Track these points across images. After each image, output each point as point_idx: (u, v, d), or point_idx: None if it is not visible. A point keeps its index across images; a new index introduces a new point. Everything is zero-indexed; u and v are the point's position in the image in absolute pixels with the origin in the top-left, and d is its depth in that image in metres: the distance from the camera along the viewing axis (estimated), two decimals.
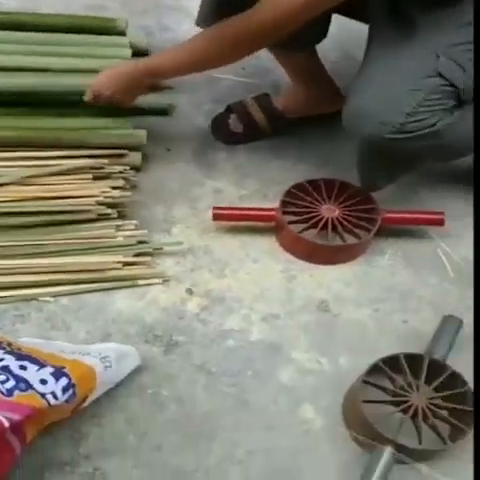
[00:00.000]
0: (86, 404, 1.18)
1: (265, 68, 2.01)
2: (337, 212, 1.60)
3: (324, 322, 1.47)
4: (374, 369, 1.28)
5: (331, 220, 1.58)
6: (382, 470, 1.16)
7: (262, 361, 1.38)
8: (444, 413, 1.26)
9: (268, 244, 1.61)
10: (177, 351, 1.38)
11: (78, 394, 1.10)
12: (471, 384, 1.25)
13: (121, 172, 1.62)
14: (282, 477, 1.22)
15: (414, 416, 1.25)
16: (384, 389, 1.29)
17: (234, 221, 1.62)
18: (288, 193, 1.61)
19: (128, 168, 1.64)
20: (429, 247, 1.64)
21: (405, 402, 1.25)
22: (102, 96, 1.60)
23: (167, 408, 1.29)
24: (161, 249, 1.54)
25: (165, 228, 1.61)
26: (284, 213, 1.59)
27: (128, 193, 1.58)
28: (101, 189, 1.55)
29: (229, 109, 1.85)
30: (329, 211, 1.60)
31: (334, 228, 1.58)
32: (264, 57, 1.98)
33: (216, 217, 1.60)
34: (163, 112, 1.84)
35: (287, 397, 1.33)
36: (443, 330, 1.40)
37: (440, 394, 1.27)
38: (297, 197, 1.62)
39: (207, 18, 1.52)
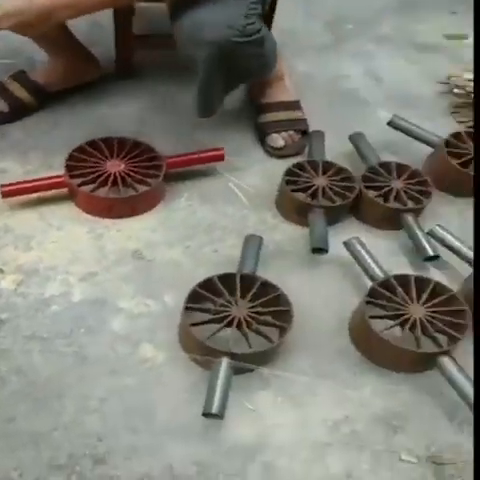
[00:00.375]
0: None
1: (17, 47, 1.99)
2: (122, 166, 1.64)
3: (141, 269, 1.51)
4: (194, 295, 1.35)
5: (118, 174, 1.62)
6: (223, 379, 1.24)
7: (91, 317, 1.40)
8: (266, 318, 1.36)
9: (68, 210, 1.62)
10: (4, 328, 1.36)
11: None
12: (284, 287, 1.38)
13: None
14: (138, 414, 1.26)
15: (239, 327, 1.34)
16: (208, 310, 1.37)
17: (25, 194, 1.60)
18: (70, 157, 1.63)
19: None
20: (221, 183, 1.74)
21: (227, 317, 1.34)
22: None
23: (9, 381, 1.27)
24: None
25: None
26: (72, 177, 1.60)
27: None
28: None
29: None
30: (114, 166, 1.64)
31: (124, 181, 1.62)
32: (14, 37, 1.96)
33: (5, 194, 1.57)
34: None
35: (124, 342, 1.36)
36: (246, 248, 1.51)
37: (257, 302, 1.37)
38: (80, 159, 1.64)
39: None
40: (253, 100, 1.92)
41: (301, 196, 1.63)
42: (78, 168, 1.63)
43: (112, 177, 1.61)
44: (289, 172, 1.66)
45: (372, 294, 1.41)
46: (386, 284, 1.43)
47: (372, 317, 1.37)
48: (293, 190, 1.64)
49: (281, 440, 1.25)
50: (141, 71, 2.03)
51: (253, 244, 1.51)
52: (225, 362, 1.27)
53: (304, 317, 1.42)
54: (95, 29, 2.09)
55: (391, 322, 1.38)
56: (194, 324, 1.32)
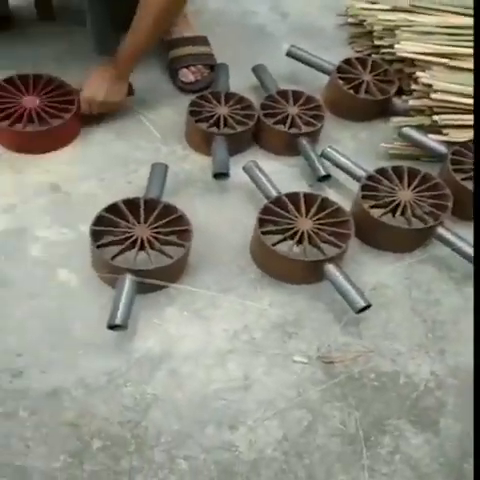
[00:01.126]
0: None
1: None
2: (38, 102, 1.65)
3: (58, 201, 1.55)
4: (99, 220, 1.41)
5: (34, 109, 1.62)
6: (126, 292, 1.31)
7: (11, 245, 1.44)
8: (165, 237, 1.42)
9: None
10: None
11: None
12: (194, 211, 1.44)
13: None
14: (55, 332, 1.32)
15: (142, 247, 1.40)
16: (112, 232, 1.42)
17: None
18: None
19: None
20: (135, 119, 1.77)
21: (131, 237, 1.40)
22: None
23: None
24: None
25: None
26: None
27: None
28: None
29: None
30: (30, 102, 1.64)
31: (39, 116, 1.63)
32: None
33: None
34: None
35: (42, 268, 1.41)
36: (152, 175, 1.55)
37: (158, 223, 1.43)
38: None
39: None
40: (164, 38, 1.93)
41: (204, 126, 1.67)
42: None
43: (27, 112, 1.62)
44: (193, 103, 1.70)
45: (265, 211, 1.47)
46: (279, 201, 1.49)
47: (265, 233, 1.43)
48: (197, 120, 1.68)
49: (186, 350, 1.33)
50: (60, 14, 2.01)
51: (158, 171, 1.55)
52: (128, 278, 1.33)
53: (210, 239, 1.49)
54: None
55: (286, 239, 1.45)
56: (100, 246, 1.37)
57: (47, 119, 1.63)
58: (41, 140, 1.63)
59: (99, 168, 1.63)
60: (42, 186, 1.57)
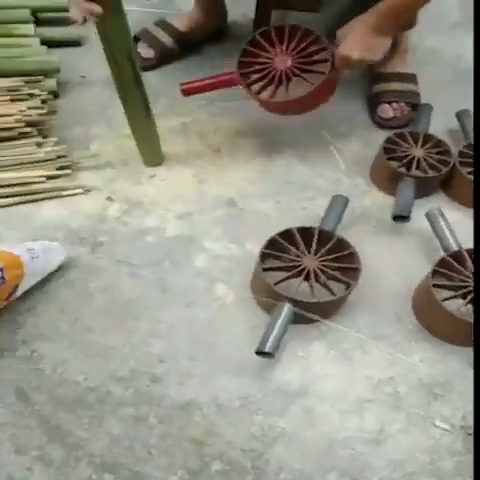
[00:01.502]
0: (18, 294, 1.25)
1: None
2: (289, 62, 1.54)
3: (232, 215, 1.55)
4: (272, 243, 1.37)
5: (284, 72, 1.53)
6: (282, 321, 1.26)
7: (178, 252, 1.46)
8: (335, 273, 1.36)
9: (179, 151, 1.67)
10: (101, 249, 1.44)
11: (7, 279, 1.16)
12: (362, 250, 1.37)
13: (39, 95, 1.65)
14: (200, 345, 1.31)
15: (307, 277, 1.35)
16: (281, 258, 1.38)
17: (203, 92, 1.60)
18: (244, 52, 1.56)
19: (45, 92, 1.67)
20: (323, 145, 1.73)
21: (298, 266, 1.35)
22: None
23: (95, 297, 1.36)
24: (80, 163, 1.59)
25: (84, 145, 1.65)
26: (242, 75, 1.55)
27: (45, 111, 1.61)
28: (19, 108, 1.58)
29: (136, 38, 1.88)
30: (282, 62, 1.54)
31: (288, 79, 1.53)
32: None
33: (187, 92, 1.59)
34: (75, 43, 1.88)
35: (202, 279, 1.41)
36: (331, 207, 1.50)
37: (329, 257, 1.37)
38: (252, 54, 1.56)
39: None
40: (371, 69, 1.87)
41: (395, 164, 1.59)
42: (250, 64, 1.55)
43: (278, 75, 1.52)
44: (389, 140, 1.62)
45: (441, 264, 1.37)
46: (458, 256, 1.39)
47: (436, 286, 1.33)
48: (389, 158, 1.60)
49: (325, 390, 1.27)
50: None
51: (338, 204, 1.50)
52: (287, 307, 1.29)
53: (373, 280, 1.41)
54: None
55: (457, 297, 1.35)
56: (266, 269, 1.34)
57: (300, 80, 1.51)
58: (295, 105, 1.56)
59: (277, 189, 1.61)
60: (220, 199, 1.58)
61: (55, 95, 1.72)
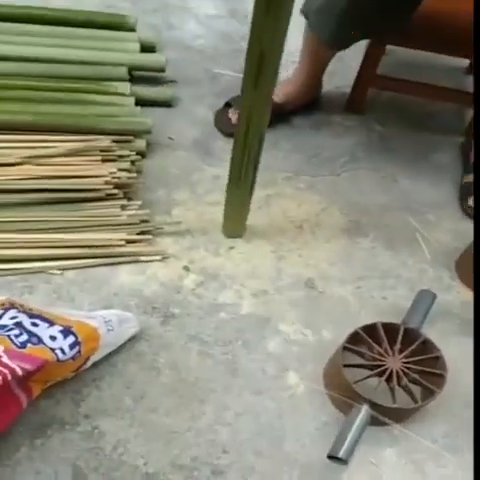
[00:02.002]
0: (88, 366, 1.19)
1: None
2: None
3: (310, 298, 1.46)
4: (354, 336, 1.27)
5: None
6: (358, 426, 1.16)
7: (251, 332, 1.38)
8: (416, 376, 1.25)
9: (260, 224, 1.60)
10: (173, 322, 1.37)
11: (82, 352, 1.10)
12: (443, 351, 1.26)
13: (128, 156, 1.61)
14: (267, 437, 1.22)
15: (389, 379, 1.25)
16: (363, 354, 1.29)
17: None
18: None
19: (134, 153, 1.64)
20: (409, 232, 1.63)
21: (381, 366, 1.25)
22: None
23: (163, 373, 1.29)
24: (162, 229, 1.54)
25: (166, 210, 1.60)
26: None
27: (134, 175, 1.58)
28: (110, 170, 1.54)
29: (228, 104, 1.83)
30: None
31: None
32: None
33: None
34: (167, 104, 1.84)
35: (274, 365, 1.33)
36: (418, 302, 1.40)
37: (414, 359, 1.27)
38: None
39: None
40: (466, 157, 1.78)
41: None
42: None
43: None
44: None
45: None
46: None
47: None
48: None
49: None
50: (368, 107, 1.95)
51: (425, 299, 1.40)
52: (365, 410, 1.19)
53: (454, 384, 1.29)
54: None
55: None
56: (347, 365, 1.25)
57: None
58: None
59: (358, 274, 1.52)
60: (298, 279, 1.49)
61: (142, 155, 1.68)
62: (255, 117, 1.26)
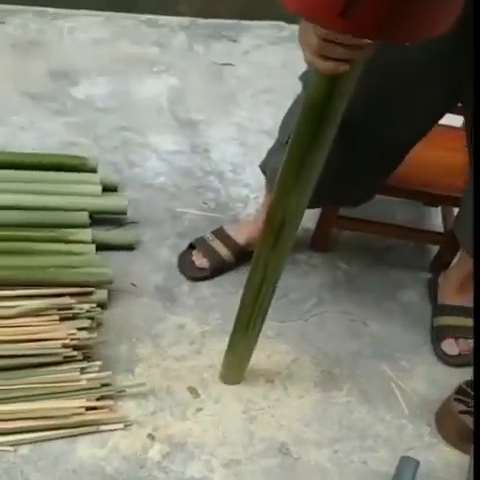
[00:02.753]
0: None
1: (225, 202, 1.91)
2: None
3: (284, 466, 1.32)
4: None
5: None
6: None
7: None
8: None
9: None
10: None
11: None
12: None
13: (88, 311, 1.47)
14: None
15: None
16: None
17: None
18: None
19: (95, 306, 1.50)
20: (383, 381, 1.52)
21: None
22: None
23: None
24: (124, 391, 1.39)
25: (128, 368, 1.46)
26: None
27: (94, 334, 1.43)
28: (68, 331, 1.40)
29: (192, 246, 1.72)
30: None
31: None
32: (223, 194, 1.91)
33: None
34: (128, 247, 1.72)
35: None
36: (400, 473, 1.28)
37: None
38: None
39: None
40: (434, 298, 1.68)
41: (468, 420, 1.36)
42: None
43: None
44: (460, 390, 1.40)
45: None
46: None
47: None
48: (461, 411, 1.37)
49: None
50: (332, 244, 1.86)
51: (408, 469, 1.28)
52: None
53: None
54: None
55: None
56: None
57: None
58: None
59: (334, 435, 1.39)
60: (271, 443, 1.36)
61: (103, 306, 1.54)
62: (270, 273, 1.19)
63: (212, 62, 2.47)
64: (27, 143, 1.99)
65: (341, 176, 1.35)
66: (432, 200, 1.77)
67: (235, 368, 1.44)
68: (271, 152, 1.57)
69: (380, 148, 1.35)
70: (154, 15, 2.63)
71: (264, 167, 1.59)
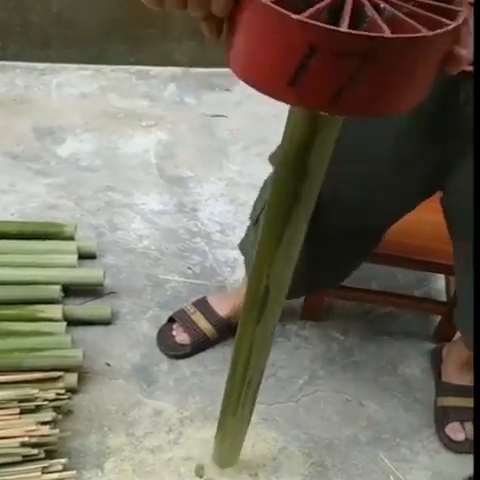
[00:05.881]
0: None
1: (211, 267, 1.76)
2: None
3: None
4: None
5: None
6: None
7: None
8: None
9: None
10: None
11: None
12: None
13: (53, 400, 1.32)
14: None
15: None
16: None
17: None
18: None
19: (63, 391, 1.35)
20: (381, 474, 1.35)
21: None
22: None
23: None
24: None
25: (98, 463, 1.30)
26: None
27: (57, 431, 1.27)
28: (27, 428, 1.24)
29: (172, 319, 1.57)
30: None
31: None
32: (210, 258, 1.76)
33: None
34: (104, 321, 1.58)
35: None
36: None
37: None
38: None
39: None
40: (438, 374, 1.51)
41: None
42: None
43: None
44: None
45: None
46: None
47: None
48: None
49: None
50: (326, 312, 1.69)
51: None
52: None
53: None
54: None
55: None
56: None
57: None
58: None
59: None
60: None
61: (73, 391, 1.39)
62: (256, 352, 1.01)
63: (203, 114, 2.35)
64: (7, 207, 1.87)
65: (313, 264, 1.17)
66: (432, 271, 1.60)
67: (228, 451, 1.29)
68: (247, 234, 1.42)
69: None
70: (145, 66, 2.52)
71: (243, 247, 1.43)
